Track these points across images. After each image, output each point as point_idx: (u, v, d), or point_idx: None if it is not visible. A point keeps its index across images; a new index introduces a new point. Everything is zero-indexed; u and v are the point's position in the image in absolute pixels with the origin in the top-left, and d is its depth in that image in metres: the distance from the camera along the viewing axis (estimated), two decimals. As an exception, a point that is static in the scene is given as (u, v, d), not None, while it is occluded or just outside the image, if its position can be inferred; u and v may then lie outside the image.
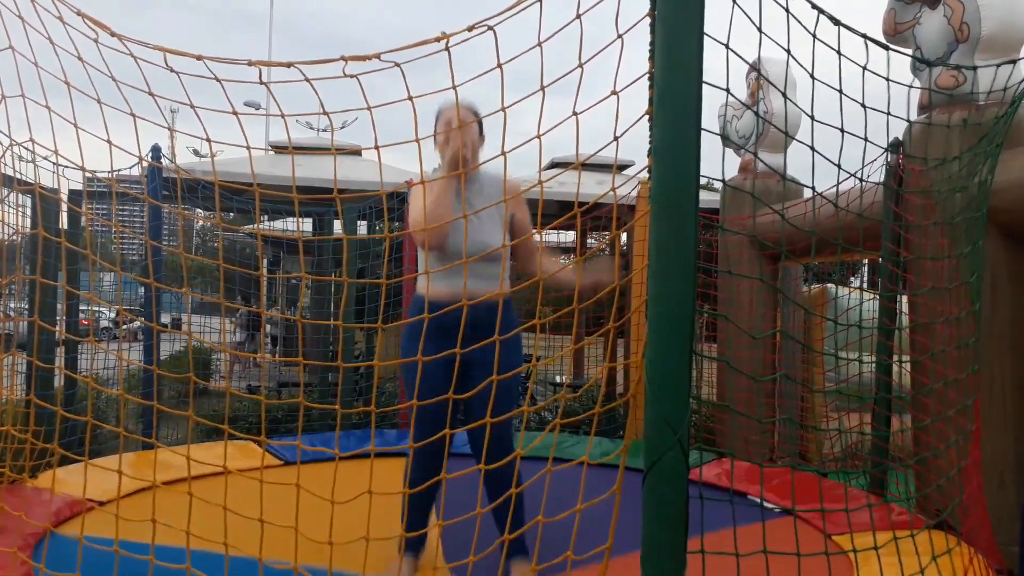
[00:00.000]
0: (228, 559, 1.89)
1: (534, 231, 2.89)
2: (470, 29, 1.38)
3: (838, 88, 1.84)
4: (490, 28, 1.41)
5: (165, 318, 10.85)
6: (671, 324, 1.44)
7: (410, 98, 1.57)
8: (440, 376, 2.38)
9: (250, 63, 1.53)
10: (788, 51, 1.64)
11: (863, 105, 1.91)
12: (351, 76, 1.48)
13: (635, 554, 1.47)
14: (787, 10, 1.62)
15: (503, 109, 1.56)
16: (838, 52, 1.71)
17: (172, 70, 1.61)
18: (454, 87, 1.44)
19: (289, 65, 1.50)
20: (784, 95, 1.81)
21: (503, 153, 1.62)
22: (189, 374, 2.00)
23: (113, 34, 1.62)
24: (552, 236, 9.37)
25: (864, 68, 1.85)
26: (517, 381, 2.74)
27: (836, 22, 1.65)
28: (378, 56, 1.46)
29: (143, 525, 1.98)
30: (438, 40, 1.38)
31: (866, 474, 3.71)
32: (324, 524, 1.89)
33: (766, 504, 3.23)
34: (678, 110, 1.42)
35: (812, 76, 1.76)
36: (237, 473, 2.00)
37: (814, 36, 1.63)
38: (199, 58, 1.53)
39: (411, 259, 5.34)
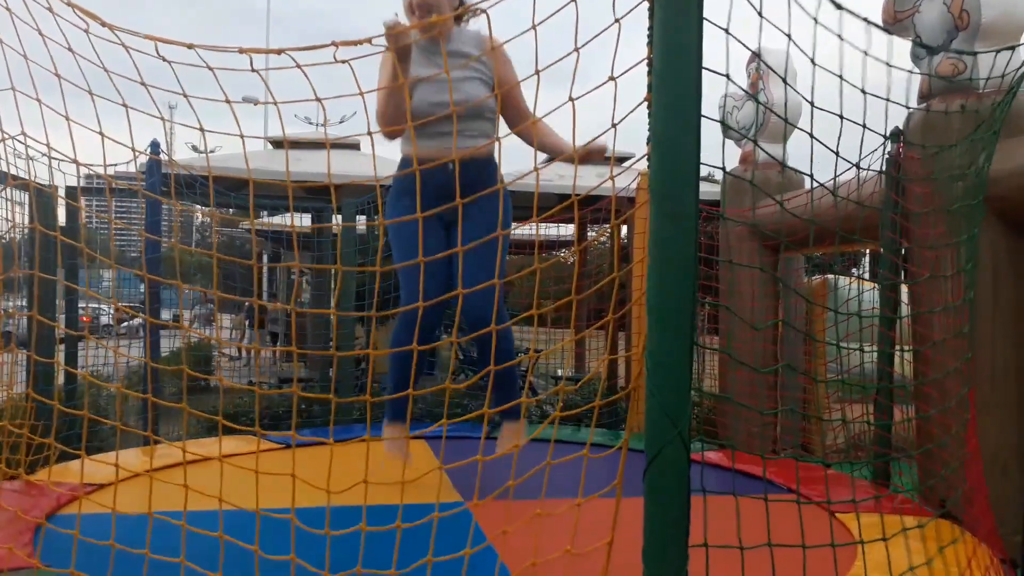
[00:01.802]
0: (223, 548, 1.88)
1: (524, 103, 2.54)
2: (463, 12, 1.36)
3: (839, 74, 1.82)
4: (483, 11, 1.39)
5: (166, 314, 10.84)
6: (671, 315, 1.42)
7: (403, 83, 1.56)
8: (430, 243, 2.25)
9: (240, 50, 1.51)
10: (788, 35, 1.62)
11: (864, 92, 1.89)
12: (342, 61, 1.46)
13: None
14: (787, -6, 1.60)
15: (497, 94, 1.54)
16: (839, 36, 1.69)
17: (164, 59, 1.59)
18: (447, 72, 1.42)
19: (280, 52, 1.48)
20: (785, 81, 1.80)
21: (497, 139, 1.60)
22: (182, 367, 1.98)
23: (104, 24, 1.60)
24: (552, 229, 9.34)
25: (865, 53, 1.82)
26: (507, 244, 2.59)
27: (838, 6, 1.63)
28: (369, 41, 1.44)
29: (143, 503, 1.97)
30: (430, 24, 1.35)
31: (869, 465, 3.69)
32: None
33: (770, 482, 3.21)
34: (677, 96, 1.40)
35: (813, 61, 1.74)
36: (232, 464, 1.98)
37: (815, 20, 1.61)
38: (190, 46, 1.52)
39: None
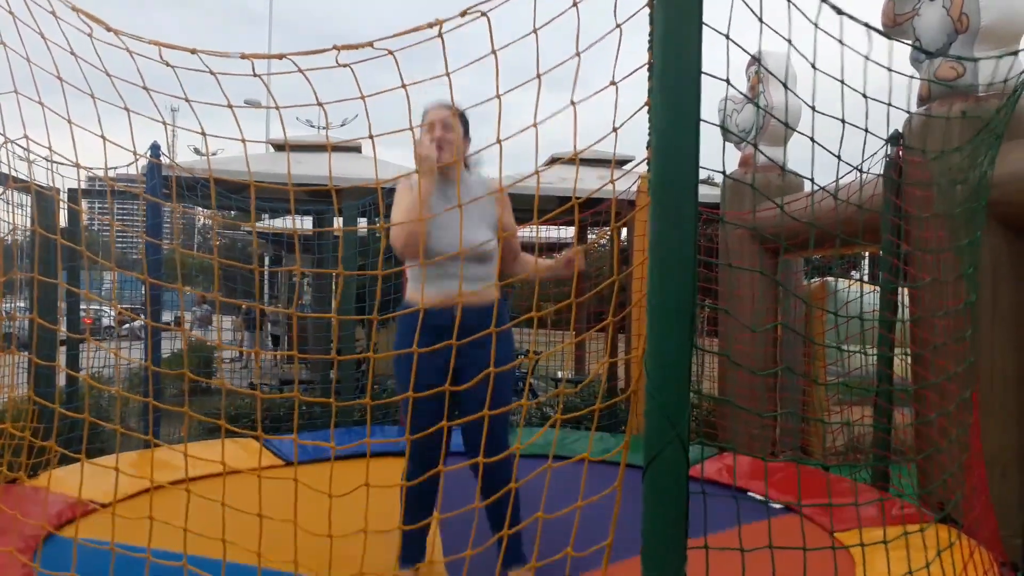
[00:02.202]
0: (225, 562, 1.88)
1: (519, 232, 2.93)
2: (463, 15, 1.37)
3: (839, 79, 1.82)
4: (483, 14, 1.39)
5: (167, 316, 10.86)
6: (670, 317, 1.42)
7: (403, 86, 1.56)
8: (433, 382, 2.37)
9: (242, 56, 1.51)
10: (789, 40, 1.62)
11: (864, 95, 1.89)
12: (344, 65, 1.47)
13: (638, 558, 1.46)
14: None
15: (498, 96, 1.55)
16: (840, 41, 1.69)
17: (167, 64, 1.60)
18: (447, 74, 1.42)
19: (281, 57, 1.49)
20: (785, 85, 1.81)
21: (498, 142, 1.61)
22: (184, 371, 1.99)
23: (108, 28, 1.60)
24: (553, 232, 9.35)
25: (866, 58, 1.83)
26: (511, 383, 2.78)
27: (838, 11, 1.63)
28: (371, 44, 1.45)
29: (141, 525, 1.97)
30: (431, 27, 1.36)
31: (868, 468, 3.69)
32: (322, 523, 1.88)
33: (770, 503, 3.21)
34: (677, 100, 1.40)
35: (813, 66, 1.74)
36: (235, 473, 1.99)
37: (815, 25, 1.61)
38: (192, 51, 1.52)
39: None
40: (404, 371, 2.55)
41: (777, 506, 3.23)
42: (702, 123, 1.43)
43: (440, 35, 1.40)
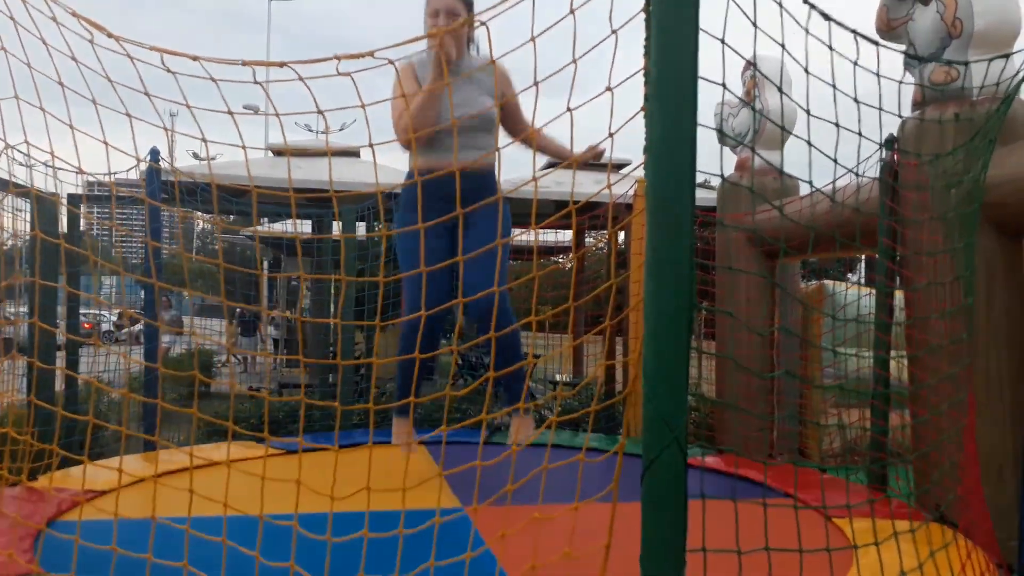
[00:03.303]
0: (226, 555, 1.89)
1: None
2: (462, 25, 1.39)
3: (832, 84, 1.84)
4: (482, 24, 1.41)
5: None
6: (668, 320, 1.44)
7: (403, 95, 1.58)
8: (435, 245, 2.43)
9: (244, 63, 1.53)
10: (783, 46, 1.64)
11: (856, 101, 1.92)
12: (345, 74, 1.49)
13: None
14: (780, 5, 1.63)
15: (498, 105, 1.57)
16: (830, 48, 1.72)
17: (169, 70, 1.62)
18: (448, 84, 1.45)
19: (283, 65, 1.51)
20: (780, 90, 1.83)
21: (497, 149, 1.62)
22: (191, 372, 2.00)
23: (110, 35, 1.62)
24: (550, 235, 9.37)
25: (855, 64, 1.85)
26: (507, 248, 2.91)
27: (827, 18, 1.66)
28: (371, 54, 1.47)
29: (141, 524, 1.99)
30: (431, 37, 1.38)
31: (866, 470, 3.71)
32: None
33: (769, 487, 3.23)
34: (673, 105, 1.42)
35: (807, 71, 1.76)
36: (238, 469, 2.00)
37: (807, 31, 1.63)
38: (195, 58, 1.54)
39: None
40: (405, 244, 2.68)
41: (775, 489, 3.24)
42: (698, 127, 1.45)
43: (441, 44, 1.42)
